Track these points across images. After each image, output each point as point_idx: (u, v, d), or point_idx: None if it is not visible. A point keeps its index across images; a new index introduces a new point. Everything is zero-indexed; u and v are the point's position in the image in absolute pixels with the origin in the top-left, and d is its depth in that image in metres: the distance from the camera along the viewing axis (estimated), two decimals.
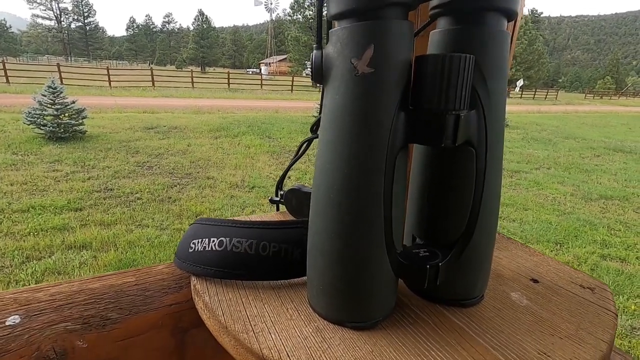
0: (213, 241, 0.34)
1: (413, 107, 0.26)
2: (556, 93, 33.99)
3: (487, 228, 0.30)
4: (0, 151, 4.41)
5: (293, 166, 0.45)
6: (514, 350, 0.27)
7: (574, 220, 3.51)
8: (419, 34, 0.33)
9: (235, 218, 0.47)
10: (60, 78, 13.27)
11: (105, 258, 2.36)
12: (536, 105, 20.64)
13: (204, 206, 3.29)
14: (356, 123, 0.25)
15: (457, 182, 0.30)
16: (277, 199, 0.49)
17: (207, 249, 0.34)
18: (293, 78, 20.64)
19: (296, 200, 0.48)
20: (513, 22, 0.33)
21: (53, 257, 2.35)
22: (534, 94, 30.12)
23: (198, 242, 0.35)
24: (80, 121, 5.23)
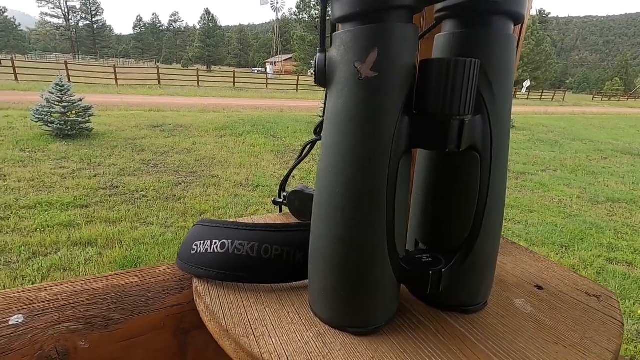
0: (215, 243, 0.34)
1: (417, 111, 0.26)
2: (563, 94, 33.66)
3: (492, 233, 0.30)
4: (9, 148, 4.47)
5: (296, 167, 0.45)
6: (517, 358, 0.26)
7: (580, 223, 3.47)
8: (424, 37, 0.33)
9: (238, 219, 0.47)
10: (68, 76, 13.38)
11: (110, 255, 2.38)
12: (543, 106, 20.46)
13: (208, 204, 3.31)
14: (359, 127, 0.25)
15: (461, 187, 0.29)
16: (280, 200, 0.49)
17: (209, 250, 0.34)
18: (298, 77, 20.65)
19: (299, 202, 0.48)
20: (520, 25, 0.32)
21: (59, 253, 2.37)
22: (541, 95, 29.87)
23: (200, 243, 0.35)
24: (87, 119, 5.28)
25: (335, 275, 0.28)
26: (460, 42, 0.27)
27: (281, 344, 0.27)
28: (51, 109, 4.99)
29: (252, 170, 4.42)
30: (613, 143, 8.52)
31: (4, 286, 2.02)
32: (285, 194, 0.49)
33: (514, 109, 0.34)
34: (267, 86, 19.87)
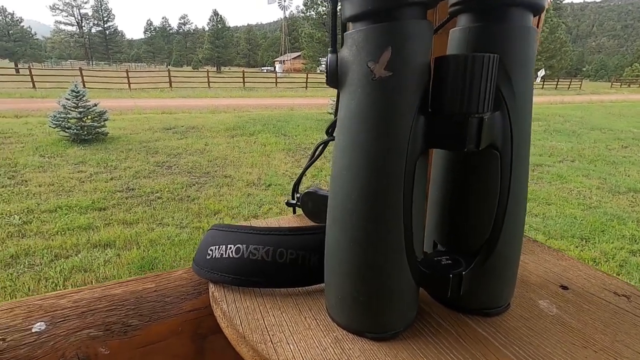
0: (230, 248, 0.34)
1: (433, 110, 0.25)
2: (580, 82, 32.67)
3: (513, 234, 0.29)
4: (29, 154, 4.61)
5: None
6: None
7: (601, 215, 3.37)
8: (437, 32, 0.32)
9: (252, 222, 0.47)
10: (83, 82, 13.69)
11: (129, 256, 2.43)
12: (559, 95, 19.90)
13: (221, 204, 3.34)
14: (374, 128, 0.24)
15: (480, 187, 0.28)
16: (294, 201, 0.49)
17: (224, 255, 0.34)
18: (307, 75, 20.64)
19: (312, 203, 0.47)
20: (538, 16, 0.31)
21: (79, 255, 2.43)
22: (557, 84, 29.05)
23: (215, 248, 0.35)
24: (102, 123, 5.40)
25: (352, 279, 0.27)
26: (476, 36, 0.26)
27: (299, 350, 0.26)
28: (68, 115, 5.12)
29: (264, 170, 4.44)
30: (634, 131, 8.23)
31: (29, 288, 2.09)
32: (298, 195, 0.48)
33: None
34: (276, 85, 19.93)
